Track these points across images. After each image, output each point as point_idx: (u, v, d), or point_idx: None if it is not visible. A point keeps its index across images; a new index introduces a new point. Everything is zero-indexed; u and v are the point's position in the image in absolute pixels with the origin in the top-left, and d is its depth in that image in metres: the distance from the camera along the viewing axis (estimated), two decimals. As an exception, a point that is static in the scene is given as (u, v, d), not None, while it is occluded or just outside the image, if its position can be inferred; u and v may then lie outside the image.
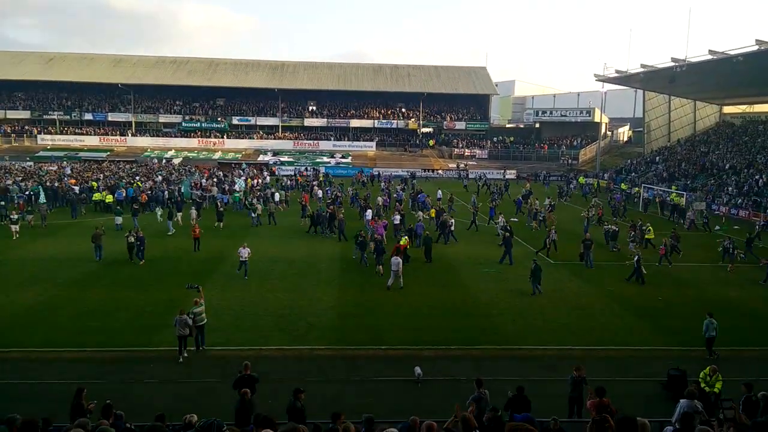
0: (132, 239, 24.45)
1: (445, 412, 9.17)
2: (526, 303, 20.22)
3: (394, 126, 78.56)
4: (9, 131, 72.10)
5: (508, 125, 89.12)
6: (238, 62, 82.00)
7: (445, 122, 79.21)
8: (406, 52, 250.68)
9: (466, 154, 73.23)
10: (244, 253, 22.36)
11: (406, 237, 25.60)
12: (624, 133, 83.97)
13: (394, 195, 42.16)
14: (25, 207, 34.21)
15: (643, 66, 50.80)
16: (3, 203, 34.03)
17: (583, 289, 22.24)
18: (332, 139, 75.75)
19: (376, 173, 59.94)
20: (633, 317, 18.96)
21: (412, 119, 78.54)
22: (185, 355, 15.01)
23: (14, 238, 28.05)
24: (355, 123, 77.89)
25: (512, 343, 16.50)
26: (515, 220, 35.69)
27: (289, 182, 50.60)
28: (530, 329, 17.73)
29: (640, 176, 55.98)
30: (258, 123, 77.20)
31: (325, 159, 68.79)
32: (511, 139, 78.24)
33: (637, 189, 49.04)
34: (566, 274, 24.39)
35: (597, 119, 71.90)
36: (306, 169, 61.58)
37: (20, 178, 44.44)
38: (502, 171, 64.92)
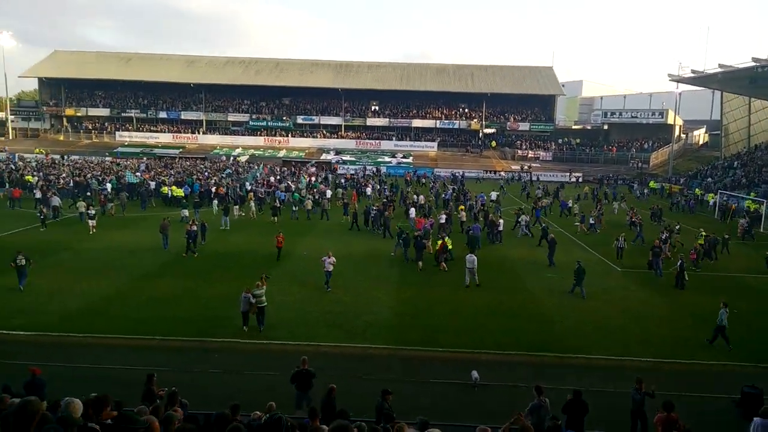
0: (195, 228, 25.94)
1: (502, 418, 9.04)
2: (589, 310, 19.62)
3: (456, 126, 78.01)
4: (90, 128, 76.46)
5: (574, 127, 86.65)
6: (304, 62, 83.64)
7: (508, 123, 77.94)
8: (470, 52, 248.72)
9: (530, 155, 71.79)
10: (329, 262, 20.71)
11: (447, 238, 25.63)
12: (699, 136, 80.00)
13: (443, 195, 42.49)
14: (106, 201, 36.14)
15: (721, 66, 48.14)
16: (88, 194, 36.43)
17: (651, 298, 21.36)
18: (394, 138, 76.05)
19: (422, 172, 59.94)
20: (704, 329, 18.04)
21: (475, 120, 77.72)
22: (245, 328, 16.65)
23: (91, 233, 29.11)
24: (417, 123, 77.88)
25: (574, 351, 16.05)
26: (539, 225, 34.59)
27: (344, 181, 51.31)
28: (593, 337, 17.21)
29: (717, 182, 53.13)
30: (321, 122, 78.50)
31: (387, 159, 69.14)
32: (578, 141, 76.09)
33: (711, 195, 46.62)
34: (633, 282, 23.50)
35: (670, 121, 68.81)
36: (360, 170, 61.95)
37: (98, 173, 47.09)
38: (567, 173, 63.24)
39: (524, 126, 77.67)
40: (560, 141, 75.74)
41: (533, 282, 23.04)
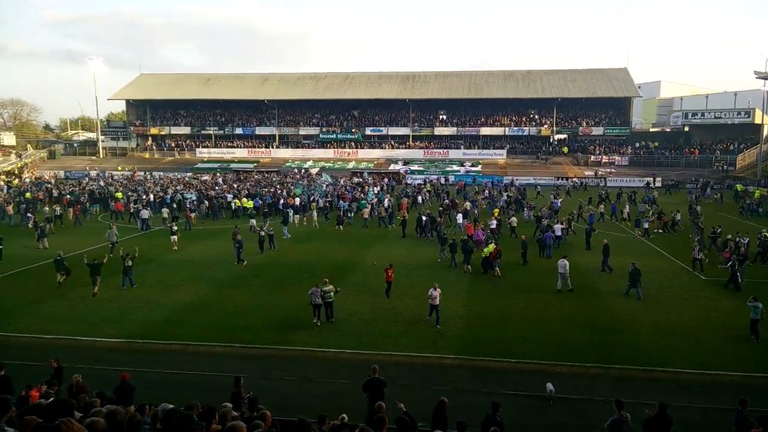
0: (263, 233, 28.82)
1: (579, 432, 8.77)
2: (672, 321, 18.67)
3: (526, 133, 76.53)
4: (173, 145, 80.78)
5: (652, 129, 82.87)
6: (371, 75, 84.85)
7: (580, 128, 75.63)
8: (538, 57, 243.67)
9: (604, 161, 69.28)
10: (436, 295, 18.19)
11: (494, 244, 25.56)
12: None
13: (499, 202, 42.42)
14: (190, 215, 37.76)
15: (815, 59, 44.73)
16: (174, 206, 39.30)
17: (737, 308, 20.03)
18: (462, 147, 75.58)
19: (481, 180, 59.05)
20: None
21: (545, 126, 75.98)
22: (317, 322, 18.24)
23: (173, 249, 29.39)
24: (485, 131, 77.04)
25: (655, 365, 15.30)
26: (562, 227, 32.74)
27: (406, 190, 51.43)
28: (675, 350, 16.34)
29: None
30: (390, 133, 79.20)
31: (455, 167, 68.80)
32: (656, 144, 72.71)
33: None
34: (719, 291, 22.14)
35: (758, 121, 64.48)
36: (407, 180, 61.92)
37: (180, 187, 49.66)
38: (652, 178, 60.14)
39: (598, 130, 75.09)
40: (637, 145, 72.65)
41: (604, 290, 22.20)
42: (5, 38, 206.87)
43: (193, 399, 9.70)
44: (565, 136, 75.70)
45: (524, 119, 77.62)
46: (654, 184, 58.01)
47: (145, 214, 36.25)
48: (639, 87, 78.89)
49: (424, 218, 32.99)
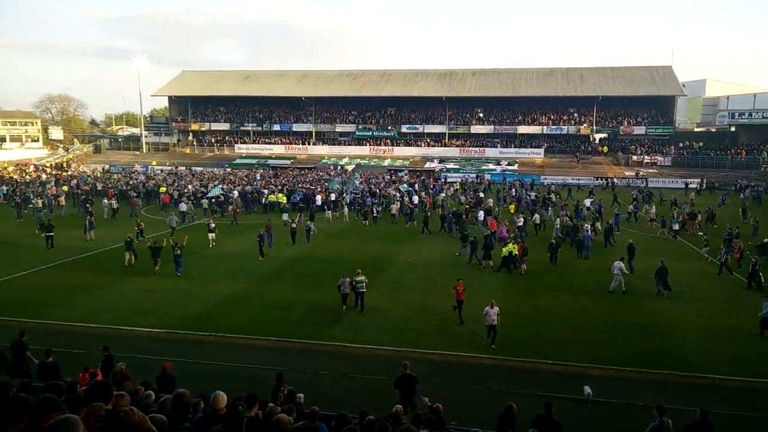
0: (294, 226, 30.72)
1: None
2: (713, 325, 18.17)
3: (564, 132, 75.24)
4: (213, 141, 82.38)
5: (696, 129, 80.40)
6: (408, 72, 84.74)
7: (621, 127, 73.92)
8: (579, 54, 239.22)
9: (646, 161, 67.56)
10: (493, 314, 16.61)
11: (513, 244, 25.57)
12: None
13: (525, 200, 42.22)
14: (236, 211, 38.39)
15: None
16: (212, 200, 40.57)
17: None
18: (499, 146, 74.80)
19: (512, 178, 58.24)
20: None
21: (585, 124, 74.56)
22: (344, 309, 19.19)
23: (210, 246, 29.13)
24: (522, 129, 76.06)
25: (697, 370, 14.92)
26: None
27: (432, 187, 51.30)
28: (719, 356, 15.89)
29: None
30: (425, 131, 78.99)
31: (491, 166, 68.18)
32: (700, 144, 70.51)
33: None
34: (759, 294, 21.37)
35: (811, 120, 61.87)
36: (441, 178, 61.69)
37: (217, 182, 50.63)
38: (700, 180, 58.04)
39: (639, 130, 73.27)
40: (681, 145, 70.58)
41: (642, 291, 21.72)
42: (56, 36, 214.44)
43: (230, 390, 9.94)
44: (605, 135, 74.12)
45: (563, 118, 76.35)
46: (703, 185, 56.08)
47: (184, 207, 37.34)
48: (683, 85, 76.69)
49: (448, 215, 33.67)
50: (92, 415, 3.12)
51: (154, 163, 71.66)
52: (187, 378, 13.03)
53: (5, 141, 78.39)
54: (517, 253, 24.91)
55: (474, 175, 63.02)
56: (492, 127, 77.00)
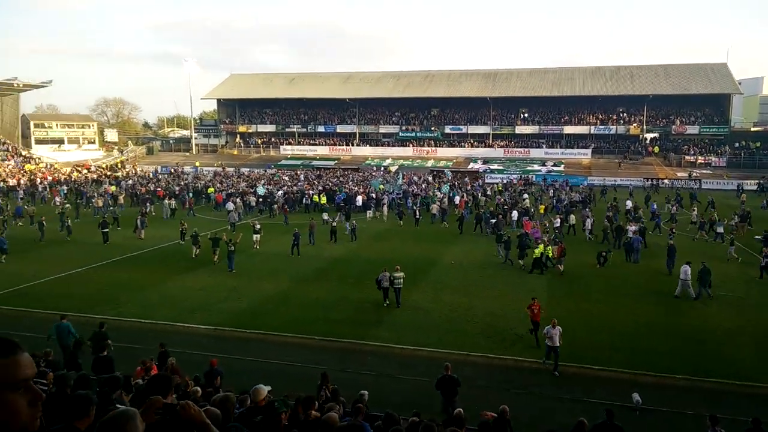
0: (334, 224, 32.07)
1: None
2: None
3: (613, 132, 73.29)
4: (259, 143, 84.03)
5: (753, 129, 76.90)
6: (452, 73, 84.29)
7: (673, 126, 71.50)
8: (628, 52, 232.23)
9: (699, 161, 65.13)
10: (555, 334, 15.02)
11: (543, 246, 25.27)
12: None
13: (564, 201, 41.71)
14: (288, 211, 39.17)
15: None
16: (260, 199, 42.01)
17: None
18: (544, 146, 73.54)
19: (552, 179, 56.94)
20: None
21: (634, 124, 72.46)
22: (386, 304, 19.83)
23: (255, 248, 28.88)
24: (569, 129, 74.53)
25: (752, 379, 14.31)
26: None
27: (469, 188, 50.99)
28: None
29: None
30: (469, 131, 78.38)
31: (536, 167, 67.09)
32: (758, 144, 67.46)
33: None
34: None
35: None
36: (486, 179, 60.95)
37: (263, 182, 51.70)
38: (761, 181, 55.45)
39: (692, 129, 70.68)
40: (736, 145, 67.70)
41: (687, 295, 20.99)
42: (111, 42, 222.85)
43: (274, 387, 10.13)
44: (655, 134, 71.88)
45: (611, 117, 74.42)
46: (743, 188, 53.63)
47: (231, 206, 38.26)
48: (739, 83, 73.51)
49: (485, 215, 34.21)
50: (150, 407, 3.24)
51: (198, 163, 73.61)
52: (233, 374, 13.37)
53: (64, 143, 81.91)
54: (550, 254, 24.81)
55: (518, 176, 62.18)
56: (537, 127, 75.77)
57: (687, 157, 66.16)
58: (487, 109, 77.50)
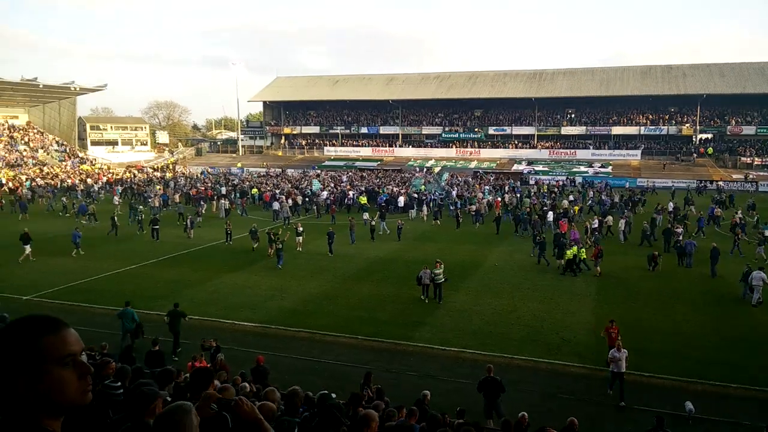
0: (374, 223, 32.96)
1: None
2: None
3: (664, 132, 71.05)
4: (303, 144, 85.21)
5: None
6: (496, 73, 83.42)
7: (728, 127, 68.77)
8: (680, 51, 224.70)
9: (757, 163, 62.43)
10: (621, 357, 13.37)
11: (576, 247, 24.98)
12: None
13: (606, 203, 41.05)
14: (335, 210, 40.08)
15: None
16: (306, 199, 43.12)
17: None
18: (591, 147, 71.93)
19: (598, 180, 55.34)
20: None
21: (687, 125, 70.05)
22: (425, 299, 20.36)
23: (298, 249, 28.82)
24: (617, 130, 72.63)
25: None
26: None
27: (506, 190, 50.44)
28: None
29: None
30: (513, 132, 77.42)
31: (582, 168, 65.67)
32: (820, 145, 64.27)
33: None
34: None
35: None
36: (531, 180, 59.89)
37: (305, 184, 52.47)
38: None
39: (749, 130, 67.79)
40: (798, 145, 64.64)
41: (736, 299, 20.17)
42: (163, 47, 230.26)
43: (321, 385, 10.26)
44: (709, 135, 69.35)
45: (662, 117, 72.16)
46: None
47: (277, 205, 39.24)
48: (801, 81, 70.10)
49: (522, 216, 34.28)
50: (206, 402, 3.34)
51: (239, 164, 75.12)
52: (278, 371, 13.61)
53: (118, 144, 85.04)
54: (583, 256, 24.48)
55: (564, 178, 61.01)
56: (584, 128, 74.18)
57: (743, 159, 63.55)
58: (531, 109, 76.39)
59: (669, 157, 67.73)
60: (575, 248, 24.66)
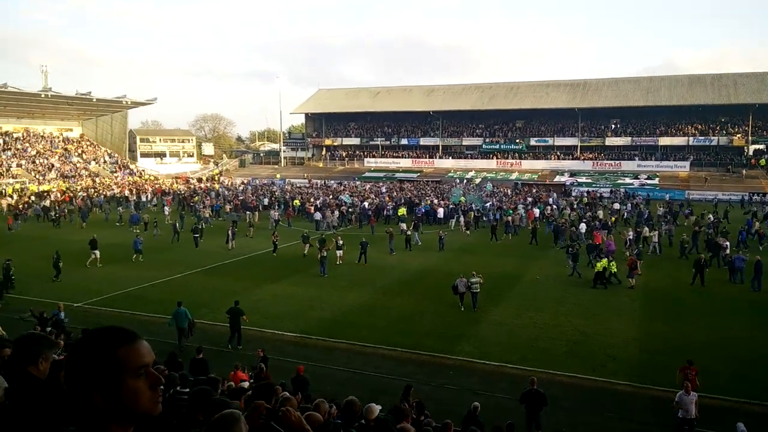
0: (409, 233, 33.43)
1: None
2: None
3: (714, 143, 68.69)
4: (344, 155, 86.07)
5: None
6: (538, 84, 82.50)
7: (783, 137, 66.03)
8: (731, 58, 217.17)
9: (815, 175, 59.69)
10: (689, 402, 12.00)
11: (606, 260, 24.54)
12: None
13: (645, 215, 40.28)
14: (375, 221, 40.60)
15: None
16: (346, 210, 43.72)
17: None
18: (637, 158, 70.15)
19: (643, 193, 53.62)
20: None
21: (738, 135, 67.57)
22: (461, 307, 20.65)
23: (338, 262, 28.71)
24: (664, 141, 70.61)
25: None
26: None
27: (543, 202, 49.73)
28: None
29: None
30: (555, 143, 76.27)
31: (627, 180, 64.09)
32: None
33: None
34: None
35: None
36: (574, 192, 58.62)
37: (348, 193, 53.03)
38: None
39: (806, 140, 64.95)
40: None
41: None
42: (211, 62, 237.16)
43: (361, 397, 10.26)
44: (762, 146, 66.71)
45: (712, 128, 69.85)
46: None
47: (319, 216, 40.01)
48: None
49: (561, 227, 34.35)
50: (255, 412, 3.42)
51: (278, 176, 76.33)
52: (318, 381, 13.71)
53: (165, 156, 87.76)
54: (613, 269, 24.05)
55: (608, 190, 59.68)
56: (629, 138, 72.42)
57: (800, 170, 60.87)
58: (574, 120, 75.15)
59: (719, 168, 65.46)
60: (605, 261, 24.26)
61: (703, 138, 68.96)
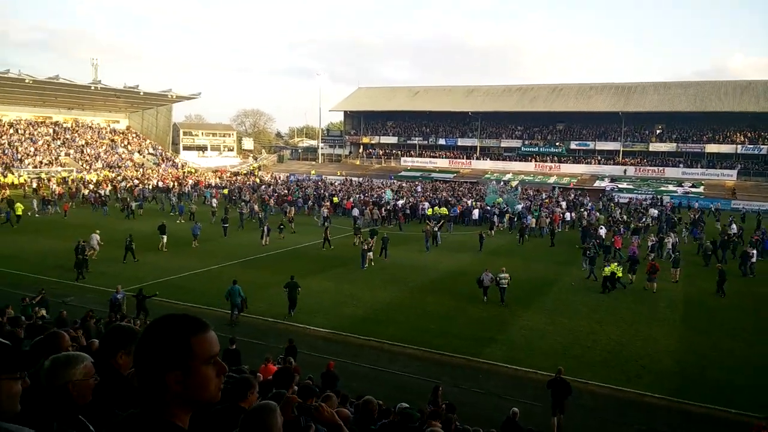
0: (436, 230, 34.01)
1: None
2: None
3: (763, 152, 66.13)
4: (381, 154, 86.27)
5: None
6: (582, 86, 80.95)
7: (839, 147, 63.14)
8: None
9: None
10: None
11: (614, 264, 24.62)
12: None
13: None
14: (404, 219, 41.82)
15: None
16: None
17: None
18: (681, 165, 68.15)
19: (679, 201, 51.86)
20: None
21: (791, 143, 64.91)
22: (485, 299, 21.85)
23: (369, 265, 28.28)
24: (711, 148, 68.35)
25: None
26: None
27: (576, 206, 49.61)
28: None
29: None
30: (597, 148, 74.71)
31: (671, 187, 62.32)
32: None
33: None
34: None
35: None
36: (615, 198, 57.13)
37: (386, 189, 53.32)
38: None
39: None
40: None
41: None
42: (254, 58, 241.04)
43: (386, 395, 10.35)
44: (816, 155, 63.93)
45: (762, 136, 67.28)
46: None
47: (356, 212, 40.79)
48: None
49: (589, 232, 34.13)
50: (288, 405, 3.50)
51: (313, 172, 76.98)
52: (346, 378, 13.82)
53: (207, 149, 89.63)
54: (619, 274, 24.10)
55: (650, 197, 58.18)
56: (674, 144, 70.37)
57: None
58: (617, 124, 73.48)
59: (768, 178, 63.05)
60: (613, 265, 24.37)
61: (752, 146, 66.53)
